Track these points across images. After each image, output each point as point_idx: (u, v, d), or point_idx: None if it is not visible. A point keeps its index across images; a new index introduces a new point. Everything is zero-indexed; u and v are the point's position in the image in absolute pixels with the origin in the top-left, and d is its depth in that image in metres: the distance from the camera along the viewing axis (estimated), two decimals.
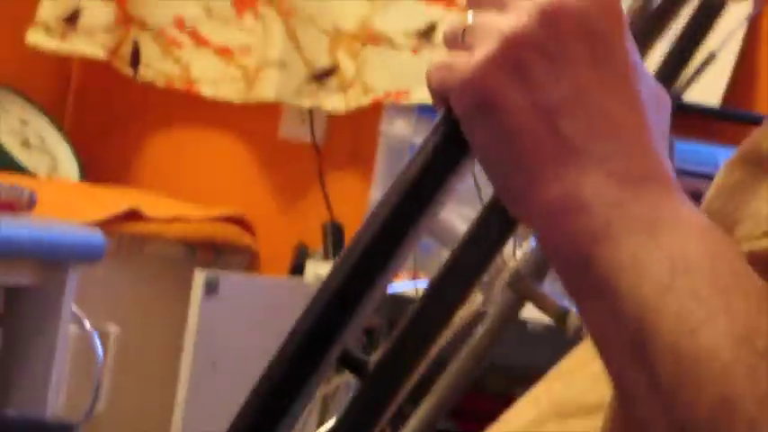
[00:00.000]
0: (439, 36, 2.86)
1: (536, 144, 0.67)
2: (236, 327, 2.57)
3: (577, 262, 0.67)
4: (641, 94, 0.70)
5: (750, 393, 0.59)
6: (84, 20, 2.94)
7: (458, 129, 0.70)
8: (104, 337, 2.32)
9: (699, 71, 2.47)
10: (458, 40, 0.70)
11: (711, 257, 0.65)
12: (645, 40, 0.80)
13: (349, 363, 0.76)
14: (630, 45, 0.71)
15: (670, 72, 1.37)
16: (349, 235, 2.79)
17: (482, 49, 0.68)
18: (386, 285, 0.73)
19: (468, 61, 0.68)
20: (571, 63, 0.68)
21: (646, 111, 0.71)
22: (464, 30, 0.70)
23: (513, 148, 0.68)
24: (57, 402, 2.13)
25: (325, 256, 2.85)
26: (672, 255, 0.64)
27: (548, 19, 0.67)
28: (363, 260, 0.70)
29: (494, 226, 0.78)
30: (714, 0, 1.16)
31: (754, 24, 2.69)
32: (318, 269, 2.77)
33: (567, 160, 0.67)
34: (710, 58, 2.44)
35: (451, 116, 0.70)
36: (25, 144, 2.85)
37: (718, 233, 0.68)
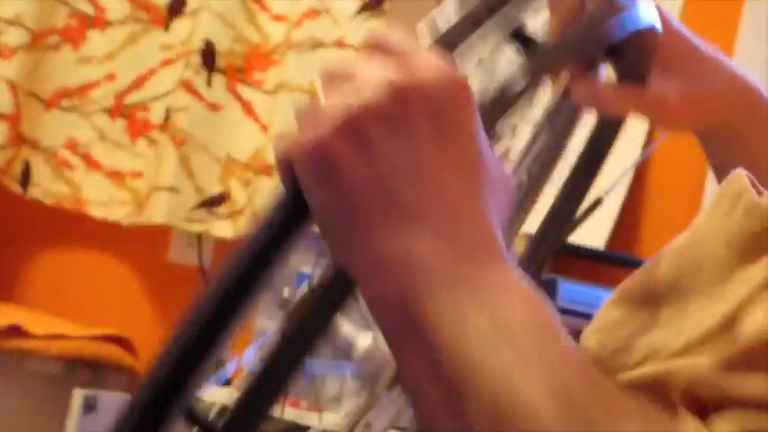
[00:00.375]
0: None
1: (371, 207, 0.70)
2: None
3: (402, 316, 0.69)
4: (480, 171, 0.74)
5: None
6: None
7: (299, 194, 0.73)
8: None
9: (585, 215, 2.54)
10: (308, 116, 0.74)
11: (534, 320, 0.68)
12: (491, 124, 0.83)
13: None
14: (476, 126, 0.75)
15: (563, 212, 1.48)
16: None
17: (327, 121, 0.71)
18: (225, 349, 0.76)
19: (313, 131, 0.71)
20: (413, 136, 0.71)
21: (481, 186, 0.74)
22: (314, 106, 0.74)
23: (350, 210, 0.71)
24: None
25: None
26: (495, 315, 0.68)
27: (395, 92, 0.70)
28: (213, 316, 0.71)
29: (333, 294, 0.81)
30: (601, 142, 1.19)
31: (639, 171, 2.72)
32: (201, 394, 2.75)
33: (399, 224, 0.70)
34: (597, 203, 2.53)
35: (294, 183, 0.73)
36: None
37: (539, 299, 0.71)
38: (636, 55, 1.10)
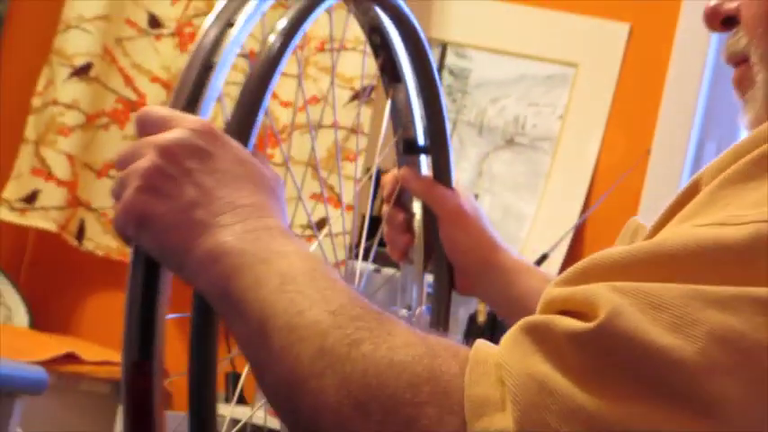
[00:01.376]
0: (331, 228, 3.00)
1: (180, 231, 0.82)
2: None
3: (221, 294, 0.81)
4: (250, 176, 0.86)
5: (340, 340, 0.71)
6: (41, 200, 3.00)
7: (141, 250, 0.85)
8: None
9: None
10: (114, 194, 0.86)
11: (311, 270, 0.79)
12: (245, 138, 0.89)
13: None
14: (233, 148, 0.86)
15: None
16: (250, 384, 3.02)
17: (126, 191, 0.83)
18: None
19: (118, 204, 0.84)
20: (189, 174, 0.83)
21: (254, 186, 0.86)
22: (115, 186, 0.86)
23: (168, 238, 0.83)
24: None
25: (227, 400, 2.86)
26: (281, 271, 0.78)
27: (163, 152, 0.83)
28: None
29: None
30: None
31: (579, 230, 2.79)
32: (222, 410, 2.67)
33: (202, 233, 0.81)
34: (544, 257, 2.69)
35: (137, 246, 0.85)
36: None
37: (317, 257, 0.82)
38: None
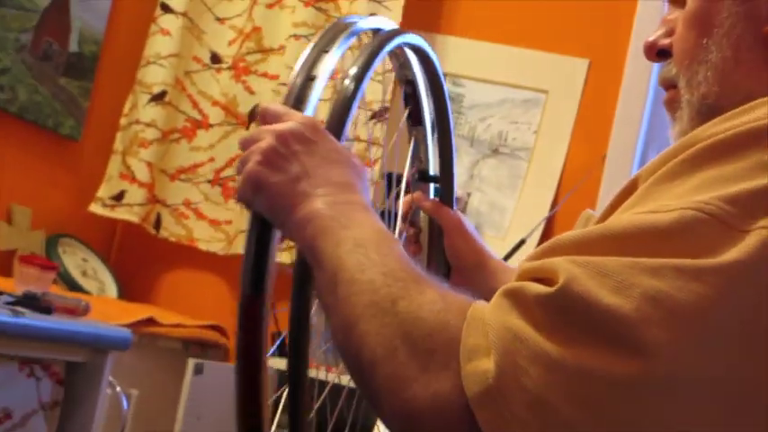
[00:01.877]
0: None
1: (286, 197, 0.85)
2: (214, 395, 2.55)
3: (310, 248, 0.83)
4: (342, 162, 0.89)
5: (385, 296, 0.73)
6: (126, 198, 2.99)
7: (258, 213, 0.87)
8: (129, 398, 2.36)
9: (513, 251, 2.66)
10: (239, 164, 0.90)
11: (377, 239, 0.80)
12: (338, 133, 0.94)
13: None
14: (329, 139, 0.90)
15: None
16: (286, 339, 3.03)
17: (248, 165, 0.88)
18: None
19: (243, 170, 0.88)
20: (296, 155, 0.87)
21: (345, 168, 0.89)
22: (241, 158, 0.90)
23: (277, 202, 0.86)
24: None
25: (272, 354, 2.67)
26: (355, 236, 0.80)
27: (278, 137, 0.87)
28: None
29: None
30: None
31: (551, 219, 2.74)
32: (269, 362, 2.84)
33: (302, 201, 0.84)
34: (522, 243, 2.64)
35: (254, 209, 0.87)
36: (84, 274, 2.88)
37: (384, 230, 0.84)
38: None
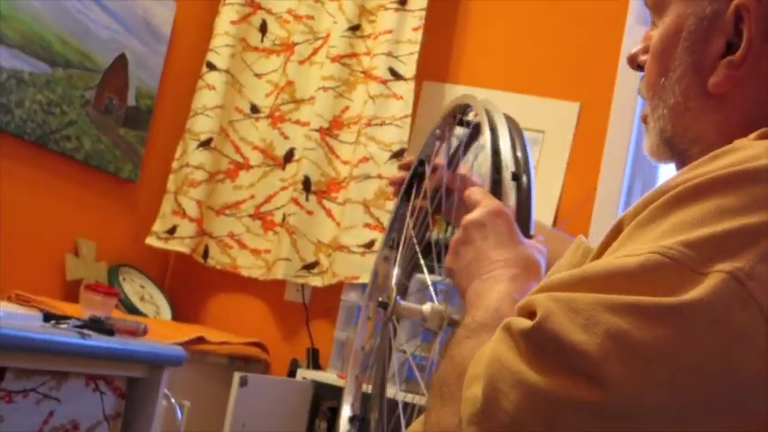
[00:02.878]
0: (376, 246, 2.86)
1: (464, 278, 0.88)
2: (257, 405, 2.54)
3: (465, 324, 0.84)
4: (510, 251, 0.88)
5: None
6: (178, 232, 2.99)
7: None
8: (182, 408, 2.34)
9: None
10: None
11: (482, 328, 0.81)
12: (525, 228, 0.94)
13: None
14: (512, 228, 0.90)
15: None
16: (323, 356, 2.89)
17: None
18: None
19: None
20: (472, 242, 0.89)
21: (510, 257, 0.88)
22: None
23: (461, 280, 0.89)
24: None
25: (308, 367, 2.85)
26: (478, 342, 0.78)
27: (463, 228, 0.90)
28: None
29: None
30: None
31: None
32: (304, 374, 2.76)
33: (472, 280, 0.87)
34: None
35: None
36: (142, 299, 2.88)
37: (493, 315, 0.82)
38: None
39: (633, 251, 0.66)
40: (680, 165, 0.89)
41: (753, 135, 0.76)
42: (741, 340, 0.61)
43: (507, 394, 0.64)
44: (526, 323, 0.66)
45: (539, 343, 0.65)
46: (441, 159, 1.30)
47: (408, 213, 1.30)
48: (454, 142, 1.29)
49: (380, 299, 1.08)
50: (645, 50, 0.93)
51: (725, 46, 0.82)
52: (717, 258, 0.63)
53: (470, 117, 1.22)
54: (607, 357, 0.61)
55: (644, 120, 0.93)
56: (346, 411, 1.25)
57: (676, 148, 0.88)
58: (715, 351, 0.61)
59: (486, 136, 1.05)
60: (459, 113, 1.24)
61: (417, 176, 1.31)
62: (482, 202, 0.92)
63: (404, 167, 1.38)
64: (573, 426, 0.62)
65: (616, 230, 0.74)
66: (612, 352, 0.61)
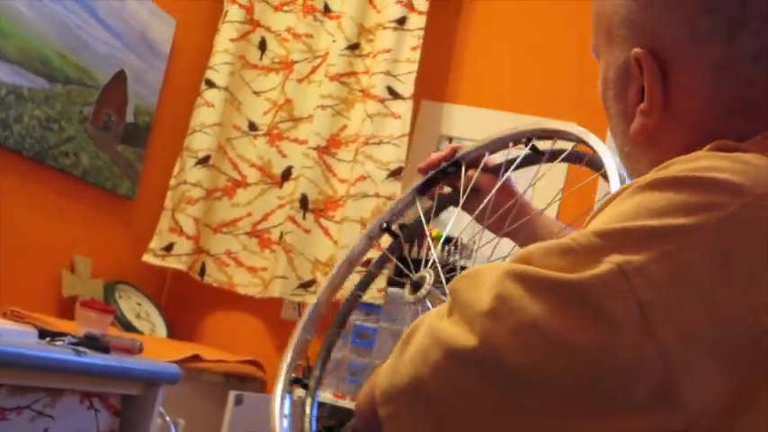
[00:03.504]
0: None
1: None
2: (252, 424, 2.51)
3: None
4: None
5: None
6: (175, 249, 2.97)
7: None
8: (177, 427, 2.34)
9: None
10: None
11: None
12: None
13: None
14: None
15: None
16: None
17: None
18: None
19: None
20: None
21: None
22: None
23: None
24: None
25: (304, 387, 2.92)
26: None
27: None
28: None
29: None
30: None
31: None
32: (299, 393, 2.84)
33: None
34: None
35: None
36: (138, 316, 2.86)
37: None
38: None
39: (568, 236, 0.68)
40: None
41: (708, 146, 0.76)
42: (613, 330, 0.62)
43: (425, 341, 0.68)
44: (455, 279, 0.71)
45: (455, 299, 0.69)
46: (491, 159, 1.32)
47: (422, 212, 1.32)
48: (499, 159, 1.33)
49: (414, 277, 1.06)
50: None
51: (639, 93, 0.83)
52: (615, 250, 0.64)
53: (557, 145, 1.24)
54: (489, 314, 0.64)
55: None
56: (286, 369, 1.24)
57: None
58: (585, 333, 0.62)
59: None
60: (535, 137, 1.27)
61: (443, 173, 1.32)
62: None
63: (443, 159, 1.36)
64: (444, 365, 0.65)
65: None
66: (497, 310, 0.64)
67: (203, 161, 3.05)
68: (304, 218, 2.97)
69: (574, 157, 1.24)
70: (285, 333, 2.91)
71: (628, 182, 0.87)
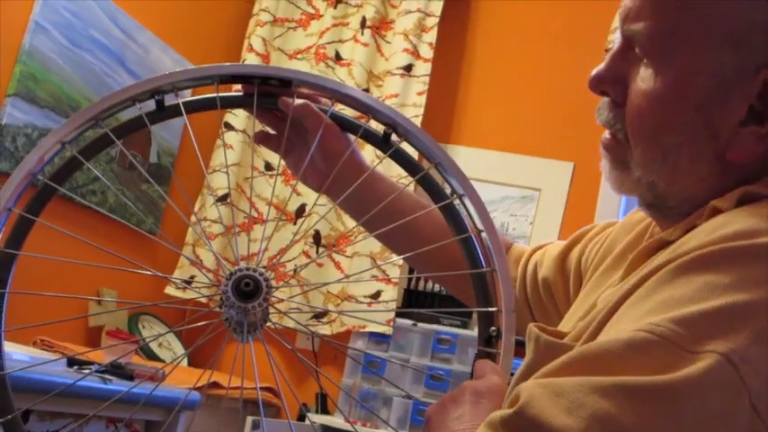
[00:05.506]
0: (382, 297, 2.91)
1: (440, 429, 0.74)
2: None
3: None
4: (478, 408, 0.75)
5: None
6: (196, 282, 2.98)
7: None
8: None
9: None
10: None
11: None
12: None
13: None
14: (495, 395, 0.76)
15: None
16: (331, 401, 2.84)
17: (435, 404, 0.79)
18: None
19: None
20: (463, 404, 0.76)
21: (494, 408, 0.74)
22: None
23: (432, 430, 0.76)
24: None
25: (316, 411, 2.82)
26: None
27: (460, 388, 0.76)
28: None
29: None
30: None
31: None
32: (313, 419, 2.75)
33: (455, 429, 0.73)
34: None
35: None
36: (160, 345, 2.87)
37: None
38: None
39: (620, 330, 0.61)
40: (655, 211, 0.81)
41: (732, 197, 0.71)
42: (727, 427, 0.57)
43: None
44: (508, 411, 0.61)
45: (519, 428, 0.59)
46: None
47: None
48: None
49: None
50: (616, 79, 0.79)
51: (746, 112, 0.72)
52: (708, 337, 0.58)
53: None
54: None
55: (608, 148, 0.81)
56: None
57: (664, 203, 0.78)
58: None
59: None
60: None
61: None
62: (490, 377, 0.80)
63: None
64: None
65: (650, 273, 0.67)
66: None
67: (222, 199, 3.08)
68: (317, 252, 2.98)
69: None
70: (299, 362, 2.93)
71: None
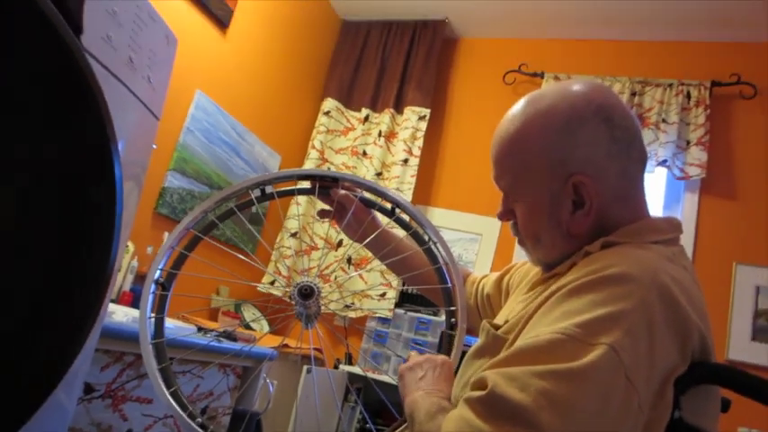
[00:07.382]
0: (388, 295, 2.74)
1: (410, 386, 0.73)
2: (315, 385, 2.28)
3: (409, 413, 0.71)
4: (443, 379, 0.73)
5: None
6: (276, 283, 2.75)
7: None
8: (273, 385, 2.04)
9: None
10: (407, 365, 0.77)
11: (433, 408, 0.67)
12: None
13: None
14: (446, 370, 0.74)
15: None
16: (354, 357, 2.69)
17: (405, 364, 0.77)
18: None
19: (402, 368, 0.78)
20: (421, 368, 0.76)
21: (443, 381, 0.74)
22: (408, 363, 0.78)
23: (404, 386, 0.75)
24: None
25: (345, 364, 2.61)
26: (426, 409, 0.68)
27: (424, 359, 0.74)
28: None
29: None
30: None
31: None
32: (343, 368, 2.54)
33: (415, 391, 0.72)
34: None
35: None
36: (254, 321, 2.63)
37: (445, 403, 0.68)
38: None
39: (539, 333, 0.59)
40: (545, 267, 0.80)
41: (597, 244, 0.70)
42: (614, 394, 0.55)
43: None
44: (480, 393, 0.58)
45: (490, 404, 0.57)
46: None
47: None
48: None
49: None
50: (507, 214, 0.80)
51: (573, 204, 0.74)
52: (598, 333, 0.57)
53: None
54: (540, 408, 0.54)
55: (522, 244, 0.81)
56: (154, 274, 0.92)
57: (549, 264, 0.78)
58: (604, 401, 0.55)
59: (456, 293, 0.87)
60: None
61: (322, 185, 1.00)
62: (444, 357, 0.78)
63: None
64: None
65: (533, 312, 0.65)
66: (543, 404, 0.54)
67: (293, 235, 2.98)
68: (349, 268, 2.84)
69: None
70: (335, 334, 2.94)
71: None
